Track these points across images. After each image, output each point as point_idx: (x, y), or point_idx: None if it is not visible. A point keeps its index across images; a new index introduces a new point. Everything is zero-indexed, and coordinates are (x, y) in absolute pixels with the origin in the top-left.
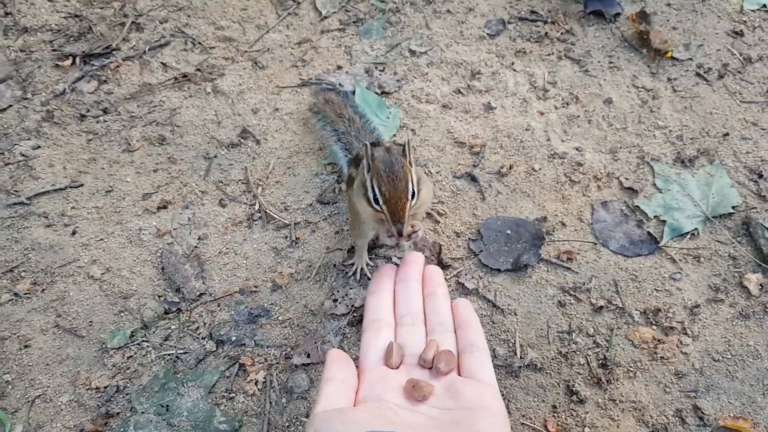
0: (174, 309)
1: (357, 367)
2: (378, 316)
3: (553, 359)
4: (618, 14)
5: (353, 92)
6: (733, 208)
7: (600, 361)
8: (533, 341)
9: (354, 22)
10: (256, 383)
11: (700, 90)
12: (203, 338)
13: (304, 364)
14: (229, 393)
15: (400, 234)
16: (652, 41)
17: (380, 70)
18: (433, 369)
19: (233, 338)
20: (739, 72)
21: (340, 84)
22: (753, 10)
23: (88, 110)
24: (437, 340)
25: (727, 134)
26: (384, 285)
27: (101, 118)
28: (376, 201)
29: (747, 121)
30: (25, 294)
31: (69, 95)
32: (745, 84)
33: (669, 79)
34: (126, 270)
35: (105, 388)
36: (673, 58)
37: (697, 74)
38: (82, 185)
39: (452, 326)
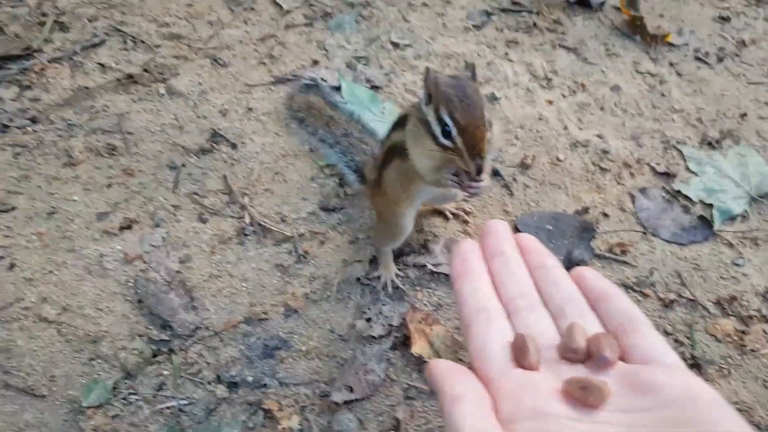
0: (164, 349)
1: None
2: (483, 303)
3: None
4: (602, 3)
5: (337, 88)
6: None
7: (689, 362)
8: None
9: (321, 16)
10: None
11: (704, 73)
12: (210, 382)
13: (347, 402)
14: None
15: (479, 171)
16: (648, 27)
17: (364, 64)
18: (594, 360)
19: (249, 379)
20: (737, 55)
21: (322, 79)
22: None
23: (11, 120)
24: (578, 322)
25: (744, 114)
26: (474, 264)
27: (29, 128)
28: (447, 134)
29: (759, 101)
30: None
31: None
32: (746, 66)
33: (671, 64)
34: (89, 307)
35: None
36: (669, 43)
37: (697, 58)
38: (14, 208)
39: (586, 303)
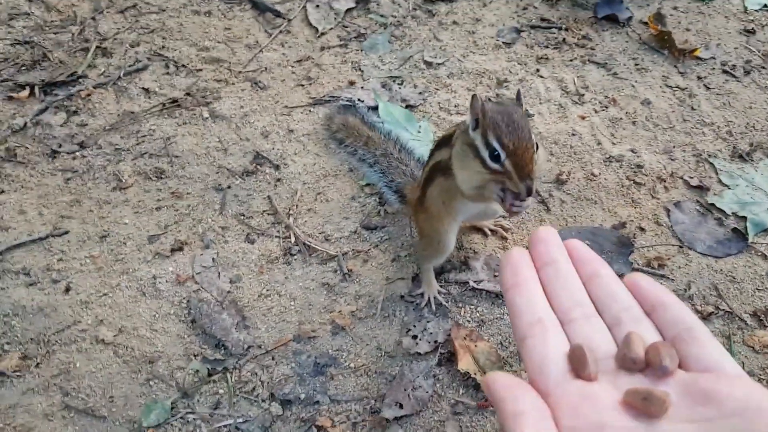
0: (219, 369)
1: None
2: (537, 315)
3: None
4: (630, 18)
5: (374, 108)
6: None
7: None
8: None
9: (355, 37)
10: None
11: (732, 86)
12: (264, 400)
13: (397, 418)
14: None
15: (529, 192)
16: (675, 41)
17: (399, 84)
18: (654, 369)
19: (302, 396)
20: (763, 67)
21: (359, 99)
22: (756, 10)
23: (60, 145)
24: (635, 331)
25: None
26: (525, 274)
27: (78, 153)
28: (495, 158)
29: None
30: (14, 372)
31: (32, 130)
32: None
33: (699, 78)
34: (144, 328)
35: None
36: (696, 57)
37: (724, 71)
38: (67, 232)
39: (642, 311)
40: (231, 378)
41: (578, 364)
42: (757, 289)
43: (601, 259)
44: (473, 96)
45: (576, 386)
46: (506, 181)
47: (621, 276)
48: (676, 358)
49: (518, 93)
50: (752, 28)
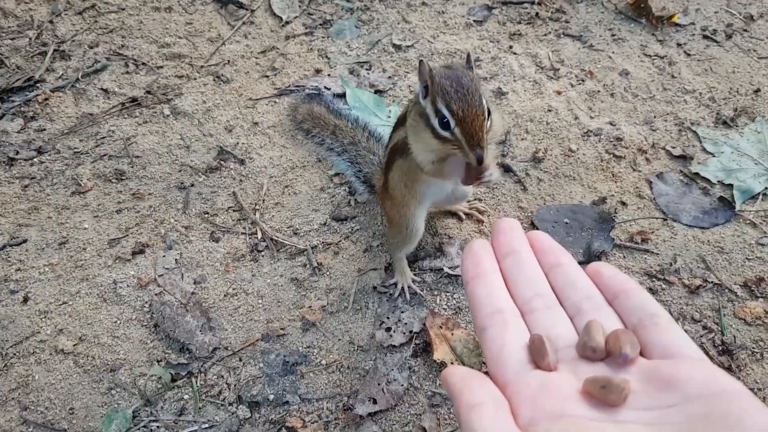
0: (183, 373)
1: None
2: (497, 305)
3: None
4: None
5: (341, 95)
6: None
7: (719, 348)
8: None
9: (321, 24)
10: None
11: (714, 51)
12: (231, 403)
13: (371, 414)
14: None
15: (480, 161)
16: (653, 9)
17: (367, 69)
18: (614, 357)
19: (271, 397)
20: (745, 30)
21: (326, 87)
22: None
23: (17, 152)
24: (597, 319)
25: (758, 90)
26: (486, 265)
27: (36, 159)
28: (445, 125)
29: None
30: None
31: None
32: (756, 41)
33: (678, 45)
34: (106, 335)
35: None
36: (675, 24)
37: (705, 37)
38: (25, 241)
39: (603, 300)
40: (196, 382)
41: (537, 354)
42: (747, 258)
43: (563, 248)
44: (420, 62)
45: (535, 376)
46: (458, 151)
47: (602, 254)
48: (637, 346)
49: (468, 56)
50: None
